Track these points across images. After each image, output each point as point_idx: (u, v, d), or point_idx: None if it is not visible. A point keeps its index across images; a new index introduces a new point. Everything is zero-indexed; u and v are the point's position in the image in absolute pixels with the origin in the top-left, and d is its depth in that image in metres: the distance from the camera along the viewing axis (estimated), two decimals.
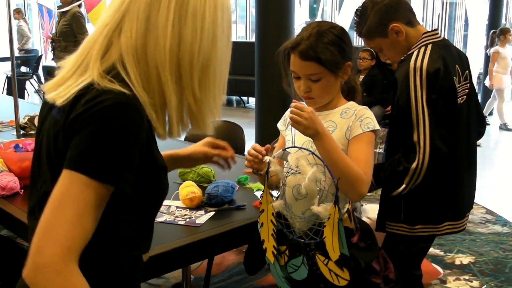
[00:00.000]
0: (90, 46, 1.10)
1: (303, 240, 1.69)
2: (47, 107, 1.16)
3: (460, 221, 2.19)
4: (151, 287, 3.25)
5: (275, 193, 1.79)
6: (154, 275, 2.02)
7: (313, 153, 1.65)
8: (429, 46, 2.03)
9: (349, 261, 1.64)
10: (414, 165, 1.96)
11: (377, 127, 1.74)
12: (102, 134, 0.99)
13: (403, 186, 2.01)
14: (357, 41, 11.12)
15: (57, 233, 0.96)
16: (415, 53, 2.02)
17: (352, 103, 1.83)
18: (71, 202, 0.98)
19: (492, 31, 8.42)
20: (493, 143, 7.54)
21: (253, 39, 6.56)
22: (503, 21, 10.28)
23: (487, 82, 8.42)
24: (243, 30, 13.75)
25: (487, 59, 9.29)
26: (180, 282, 3.16)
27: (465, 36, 12.05)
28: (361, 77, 6.15)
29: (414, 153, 1.97)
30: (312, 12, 13.69)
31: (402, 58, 2.09)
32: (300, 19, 10.52)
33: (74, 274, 0.98)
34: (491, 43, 8.34)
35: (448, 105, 2.01)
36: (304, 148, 1.69)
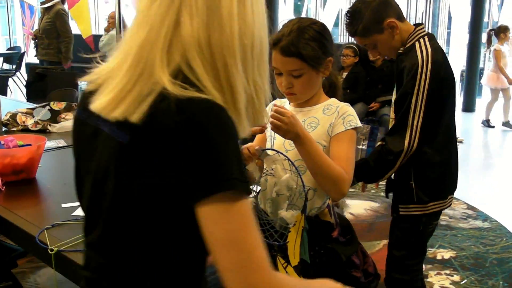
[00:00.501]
0: (147, 50, 0.96)
1: (267, 241, 1.71)
2: (91, 128, 1.05)
3: (453, 194, 2.32)
4: None
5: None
6: None
7: (289, 159, 1.67)
8: (426, 38, 2.14)
9: (309, 269, 1.67)
10: (405, 146, 2.07)
11: (359, 124, 1.76)
12: (217, 144, 0.90)
13: (393, 170, 2.14)
14: (340, 38, 11.16)
15: (255, 266, 0.92)
16: (417, 45, 2.11)
17: (334, 99, 1.84)
18: (244, 232, 0.91)
19: (489, 29, 8.37)
20: (475, 139, 7.62)
21: None
22: (485, 19, 10.37)
23: (483, 81, 8.40)
24: None
25: (470, 56, 9.36)
26: None
27: (448, 34, 12.14)
28: (344, 74, 6.19)
29: (399, 136, 2.08)
30: (297, 9, 13.71)
31: (401, 51, 2.18)
32: (284, 17, 10.52)
33: (283, 281, 0.97)
34: (488, 42, 8.31)
35: (451, 89, 2.16)
36: (281, 153, 1.70)
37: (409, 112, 2.06)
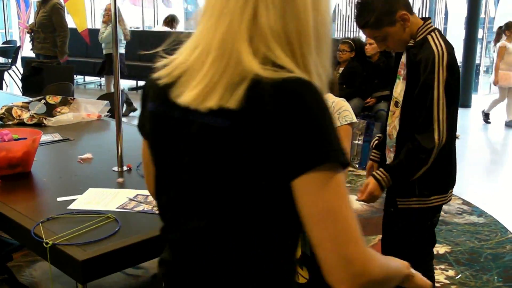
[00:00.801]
0: (230, 41, 0.98)
1: None
2: (177, 120, 1.05)
3: (452, 189, 2.34)
4: (130, 278, 3.25)
5: None
6: (132, 264, 2.03)
7: None
8: (436, 32, 2.16)
9: (311, 261, 1.67)
10: (436, 141, 2.08)
11: (354, 119, 1.76)
12: (318, 118, 0.94)
13: (426, 166, 2.13)
14: (337, 34, 11.15)
15: (350, 238, 0.94)
16: (430, 38, 2.13)
17: (329, 95, 1.85)
18: (342, 203, 0.93)
19: (498, 27, 8.29)
20: (471, 135, 7.63)
21: None
22: (482, 15, 10.38)
23: (491, 79, 8.33)
24: None
25: (466, 52, 9.37)
26: None
27: (445, 29, 12.15)
28: (341, 69, 6.19)
29: (429, 132, 2.09)
30: None
31: (411, 44, 2.17)
32: None
33: (374, 255, 0.98)
34: (496, 39, 8.21)
35: (458, 83, 2.17)
36: None
37: (433, 106, 2.07)
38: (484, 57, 11.58)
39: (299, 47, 0.99)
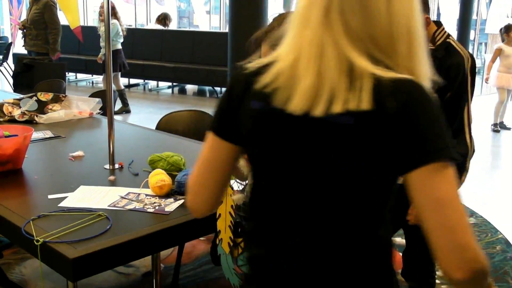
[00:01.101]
0: (322, 45, 1.03)
1: None
2: (291, 119, 1.07)
3: None
4: (121, 276, 3.24)
5: (236, 186, 1.82)
6: (123, 262, 2.02)
7: None
8: (452, 37, 2.19)
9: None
10: (469, 145, 2.12)
11: None
12: (436, 117, 1.01)
13: (466, 172, 2.17)
14: None
15: (465, 226, 0.99)
16: (452, 43, 2.15)
17: None
18: (456, 193, 1.00)
19: (500, 29, 8.30)
20: None
21: (226, 30, 6.56)
22: (474, 17, 10.43)
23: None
24: (217, 20, 13.72)
25: None
26: (150, 271, 3.16)
27: None
28: None
29: (461, 137, 2.13)
30: (286, 3, 13.70)
31: (432, 47, 2.16)
32: (273, 11, 10.52)
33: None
34: (502, 41, 8.20)
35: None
36: None
37: (464, 111, 2.10)
38: (476, 59, 11.63)
39: (383, 53, 1.03)
